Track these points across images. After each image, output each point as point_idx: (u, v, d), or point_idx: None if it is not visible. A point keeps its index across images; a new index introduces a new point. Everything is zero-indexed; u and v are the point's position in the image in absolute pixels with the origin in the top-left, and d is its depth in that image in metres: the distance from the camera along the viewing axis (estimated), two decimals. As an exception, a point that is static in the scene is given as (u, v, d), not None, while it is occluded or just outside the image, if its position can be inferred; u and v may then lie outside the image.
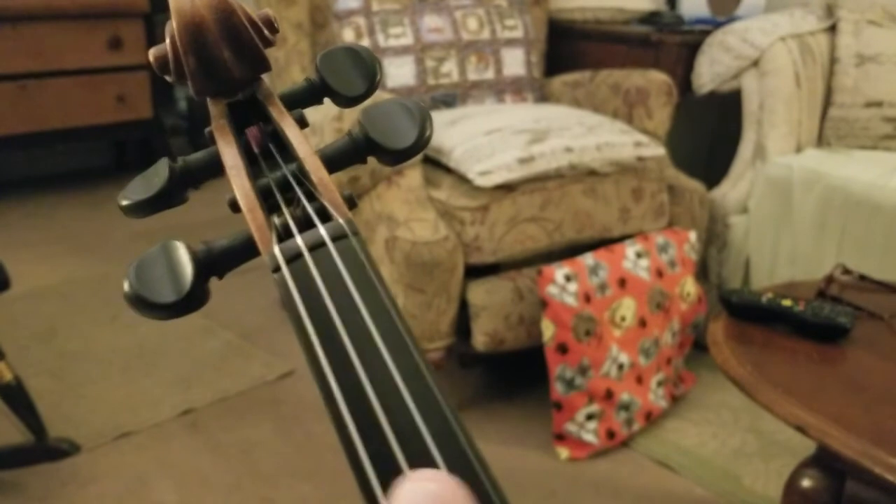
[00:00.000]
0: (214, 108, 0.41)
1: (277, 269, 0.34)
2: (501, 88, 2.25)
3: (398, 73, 2.11)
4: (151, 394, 2.01)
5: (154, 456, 1.78)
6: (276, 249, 0.34)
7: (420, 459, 0.28)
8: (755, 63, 2.16)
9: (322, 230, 0.34)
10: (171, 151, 3.30)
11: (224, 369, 2.13)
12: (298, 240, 0.34)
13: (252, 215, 0.36)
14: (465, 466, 0.28)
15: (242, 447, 1.82)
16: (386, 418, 0.28)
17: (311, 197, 0.36)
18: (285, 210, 0.36)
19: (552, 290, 1.74)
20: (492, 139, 1.84)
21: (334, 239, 0.33)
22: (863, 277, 1.48)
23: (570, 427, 1.76)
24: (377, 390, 0.29)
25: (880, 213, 1.89)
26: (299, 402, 1.99)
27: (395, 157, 0.38)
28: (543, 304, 1.75)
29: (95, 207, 3.32)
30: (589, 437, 1.76)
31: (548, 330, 1.74)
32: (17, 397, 1.61)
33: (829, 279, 1.44)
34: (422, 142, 0.38)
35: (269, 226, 0.36)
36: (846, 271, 1.48)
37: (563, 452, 1.76)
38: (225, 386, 2.05)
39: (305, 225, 0.35)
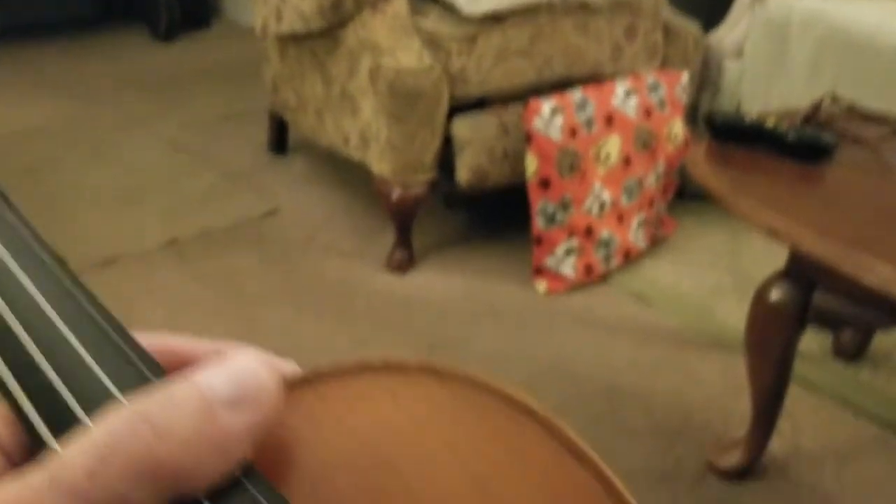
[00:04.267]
0: None
1: None
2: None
3: None
4: (136, 226, 2.02)
5: (140, 282, 1.81)
6: None
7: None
8: None
9: None
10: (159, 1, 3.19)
11: (209, 206, 2.13)
12: None
13: None
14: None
15: (227, 276, 1.85)
16: None
17: None
18: None
19: (538, 123, 1.71)
20: (482, -33, 1.78)
21: None
22: (851, 108, 1.46)
23: (549, 261, 1.78)
24: None
25: (879, 58, 1.84)
26: (284, 239, 2.01)
27: None
28: (528, 137, 1.73)
29: (80, 56, 3.24)
30: (567, 272, 1.78)
31: (531, 164, 1.73)
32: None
33: (817, 106, 1.42)
34: None
35: None
36: (835, 100, 1.45)
37: (542, 286, 1.79)
38: (210, 221, 2.05)
39: None
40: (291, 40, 1.99)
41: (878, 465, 1.37)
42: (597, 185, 1.78)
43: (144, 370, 0.24)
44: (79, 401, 0.23)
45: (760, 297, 1.23)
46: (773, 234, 1.09)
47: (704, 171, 1.24)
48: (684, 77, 1.94)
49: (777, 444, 1.35)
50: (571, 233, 1.77)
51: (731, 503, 1.27)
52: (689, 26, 2.02)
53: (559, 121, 1.72)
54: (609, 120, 1.78)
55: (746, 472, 1.30)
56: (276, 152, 2.40)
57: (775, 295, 1.21)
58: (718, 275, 1.87)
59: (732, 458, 1.30)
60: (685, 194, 2.13)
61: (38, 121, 2.59)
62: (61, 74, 3.03)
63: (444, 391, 0.27)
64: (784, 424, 1.39)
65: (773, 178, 1.26)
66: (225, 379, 0.22)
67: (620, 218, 1.83)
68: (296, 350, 1.59)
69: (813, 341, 1.61)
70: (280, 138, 2.39)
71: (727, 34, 2.11)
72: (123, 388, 0.23)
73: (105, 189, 2.20)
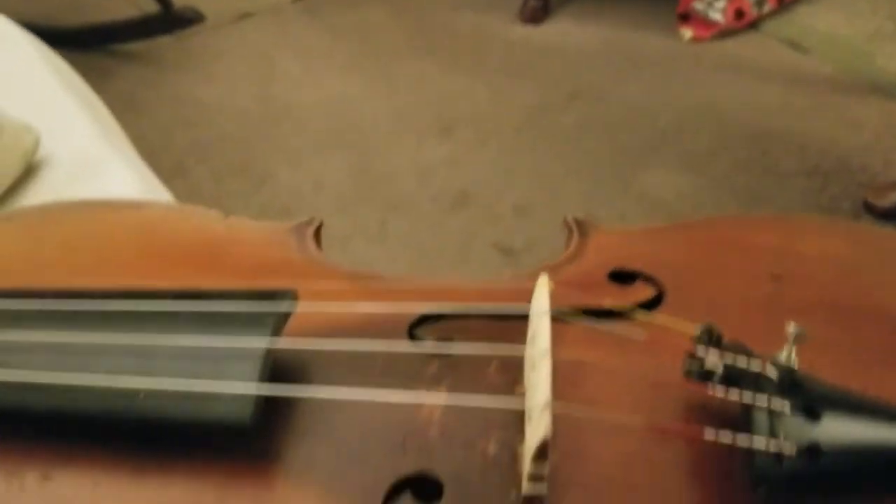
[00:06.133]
0: None
1: None
2: None
3: None
4: (264, -18, 2.00)
5: (275, 35, 1.82)
6: None
7: None
8: None
9: None
10: None
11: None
12: None
13: None
14: None
15: (359, 30, 1.83)
16: None
17: None
18: None
19: None
20: None
21: None
22: None
23: (697, 6, 1.68)
24: None
25: None
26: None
27: None
28: None
29: None
30: (716, 17, 1.69)
31: None
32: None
33: None
34: None
35: None
36: None
37: (687, 33, 1.71)
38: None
39: None
40: None
41: None
42: (754, -82, 1.63)
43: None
44: None
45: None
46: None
47: None
48: None
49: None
50: (722, -27, 1.65)
51: (888, 240, 1.25)
52: None
53: None
54: None
55: (905, 212, 1.28)
56: None
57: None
58: (878, 20, 1.73)
59: (892, 198, 1.27)
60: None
61: None
62: None
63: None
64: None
65: None
66: None
67: (776, -44, 1.69)
68: (433, 103, 1.60)
69: None
70: None
71: None
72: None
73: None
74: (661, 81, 1.62)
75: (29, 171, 0.65)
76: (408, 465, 0.34)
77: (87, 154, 0.68)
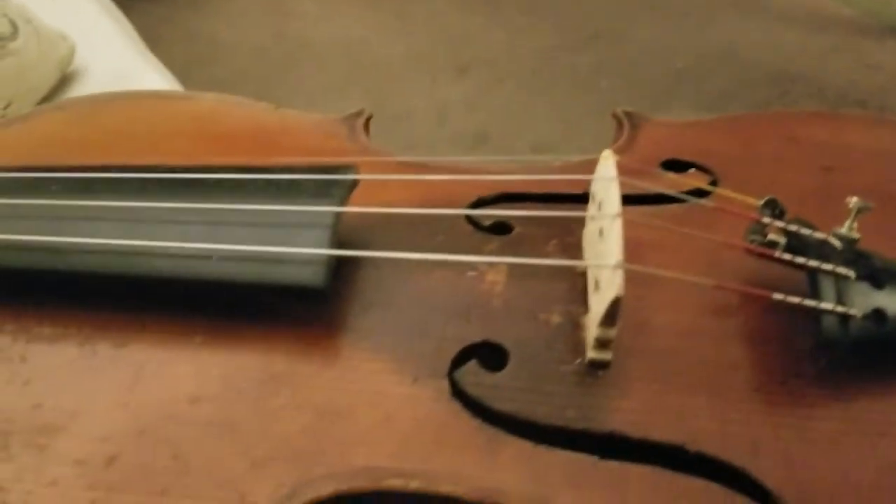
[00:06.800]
0: None
1: None
2: None
3: None
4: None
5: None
6: None
7: None
8: None
9: None
10: None
11: None
12: None
13: None
14: None
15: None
16: None
17: None
18: None
19: None
20: None
21: None
22: None
23: (717, -53, 1.66)
24: None
25: None
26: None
27: None
28: None
29: None
30: (736, -42, 1.67)
31: None
32: None
33: None
34: None
35: None
36: None
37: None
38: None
39: None
40: None
41: None
42: None
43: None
44: None
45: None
46: None
47: None
48: None
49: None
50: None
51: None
52: None
53: None
54: None
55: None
56: None
57: None
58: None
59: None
60: None
61: None
62: None
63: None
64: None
65: None
66: None
67: None
68: (450, 43, 1.59)
69: None
70: None
71: None
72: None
73: None
74: (680, 22, 1.60)
75: (64, 81, 0.65)
76: (473, 334, 0.34)
77: (122, 66, 0.68)
